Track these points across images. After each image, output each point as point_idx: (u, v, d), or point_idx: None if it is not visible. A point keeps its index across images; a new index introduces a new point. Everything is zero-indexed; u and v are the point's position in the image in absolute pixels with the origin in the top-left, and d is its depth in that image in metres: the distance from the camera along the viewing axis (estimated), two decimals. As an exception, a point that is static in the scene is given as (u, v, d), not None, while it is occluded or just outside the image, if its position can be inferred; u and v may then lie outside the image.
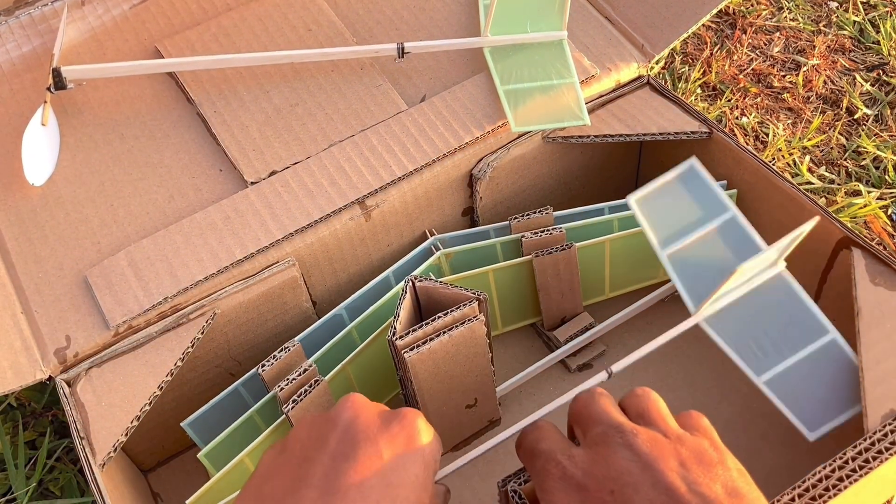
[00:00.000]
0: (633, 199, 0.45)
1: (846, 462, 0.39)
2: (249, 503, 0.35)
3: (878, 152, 0.80)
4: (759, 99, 0.85)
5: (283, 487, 0.34)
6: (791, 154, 0.80)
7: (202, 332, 0.48)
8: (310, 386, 0.47)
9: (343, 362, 0.50)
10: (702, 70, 0.87)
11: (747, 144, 0.82)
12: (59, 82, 0.56)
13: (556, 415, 0.43)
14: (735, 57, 0.88)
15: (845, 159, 0.80)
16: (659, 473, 0.31)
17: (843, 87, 0.85)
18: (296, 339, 0.50)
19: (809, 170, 0.79)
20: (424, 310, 0.51)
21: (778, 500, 0.38)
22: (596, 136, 0.57)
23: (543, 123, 0.56)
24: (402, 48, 0.58)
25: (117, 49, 0.61)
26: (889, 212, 0.77)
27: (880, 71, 0.87)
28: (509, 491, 0.40)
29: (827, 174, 0.79)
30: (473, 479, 0.54)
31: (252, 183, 0.53)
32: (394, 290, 0.54)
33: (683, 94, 0.85)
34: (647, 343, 0.45)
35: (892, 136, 0.81)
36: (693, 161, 0.46)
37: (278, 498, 0.33)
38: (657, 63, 0.87)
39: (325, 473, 0.33)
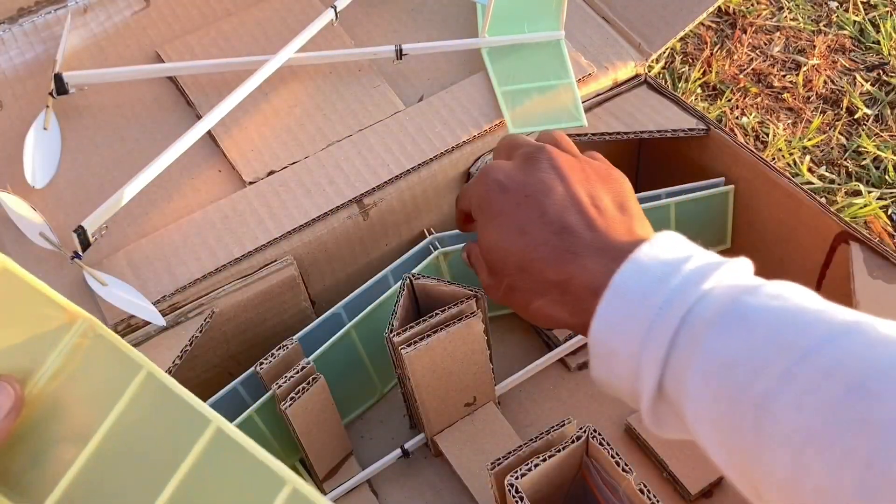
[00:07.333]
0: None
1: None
2: None
3: (879, 152, 0.80)
4: (759, 99, 0.85)
5: None
6: (791, 154, 0.80)
7: (201, 331, 0.49)
8: (307, 383, 0.47)
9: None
10: (702, 70, 0.87)
11: (747, 144, 0.82)
12: (60, 87, 0.56)
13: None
14: (735, 57, 0.88)
15: (845, 159, 0.80)
16: (569, 184, 0.38)
17: (843, 87, 0.86)
18: (294, 337, 0.51)
19: (809, 170, 0.79)
20: (422, 307, 0.51)
21: None
22: (594, 135, 0.57)
23: (541, 125, 0.56)
24: (400, 50, 0.58)
25: (119, 54, 0.62)
26: (889, 212, 0.76)
27: (880, 71, 0.87)
28: (507, 483, 0.40)
29: (827, 174, 0.79)
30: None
31: (250, 183, 0.53)
32: (392, 288, 0.54)
33: (683, 93, 0.85)
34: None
35: (892, 136, 0.81)
36: None
37: None
38: (657, 63, 0.87)
39: None
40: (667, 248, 0.34)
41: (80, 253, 0.47)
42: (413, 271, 0.54)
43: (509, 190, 0.39)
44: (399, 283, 0.52)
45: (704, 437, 0.31)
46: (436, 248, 0.56)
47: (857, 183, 0.78)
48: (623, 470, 0.40)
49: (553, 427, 0.43)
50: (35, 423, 0.30)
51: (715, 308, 0.31)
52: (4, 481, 0.29)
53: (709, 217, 0.58)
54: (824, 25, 0.91)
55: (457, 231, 0.58)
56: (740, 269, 0.33)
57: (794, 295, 0.31)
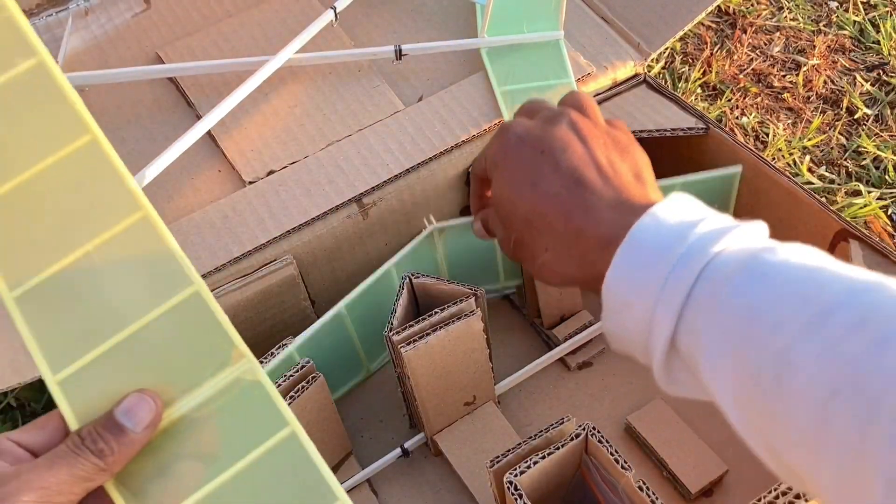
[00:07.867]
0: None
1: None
2: None
3: (879, 152, 0.80)
4: (759, 99, 0.85)
5: None
6: (791, 154, 0.80)
7: (201, 330, 0.49)
8: (307, 382, 0.47)
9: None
10: (702, 70, 0.87)
11: (747, 144, 0.82)
12: (60, 87, 0.56)
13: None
14: (735, 57, 0.88)
15: (845, 159, 0.80)
16: (588, 145, 0.38)
17: (843, 87, 0.85)
18: (296, 339, 0.51)
19: (809, 170, 0.79)
20: (422, 306, 0.51)
21: None
22: (592, 134, 0.57)
23: (540, 122, 0.56)
24: (400, 50, 0.58)
25: (119, 56, 0.62)
26: (889, 212, 0.76)
27: (880, 71, 0.87)
28: (506, 481, 0.40)
29: (827, 174, 0.79)
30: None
31: (250, 183, 0.53)
32: (383, 268, 0.53)
33: (683, 93, 0.85)
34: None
35: (892, 136, 0.81)
36: None
37: None
38: (657, 63, 0.87)
39: None
40: (684, 206, 0.34)
41: None
42: (407, 249, 0.53)
43: (526, 144, 0.39)
44: (389, 266, 0.51)
45: (720, 393, 0.30)
46: (430, 223, 0.54)
47: (857, 183, 0.77)
48: (622, 467, 0.40)
49: (552, 425, 0.43)
50: (171, 441, 0.30)
51: (734, 263, 0.30)
52: (128, 485, 0.29)
53: (711, 199, 0.58)
54: (824, 25, 0.91)
55: (459, 219, 0.57)
56: (756, 231, 0.33)
57: (813, 254, 0.30)
